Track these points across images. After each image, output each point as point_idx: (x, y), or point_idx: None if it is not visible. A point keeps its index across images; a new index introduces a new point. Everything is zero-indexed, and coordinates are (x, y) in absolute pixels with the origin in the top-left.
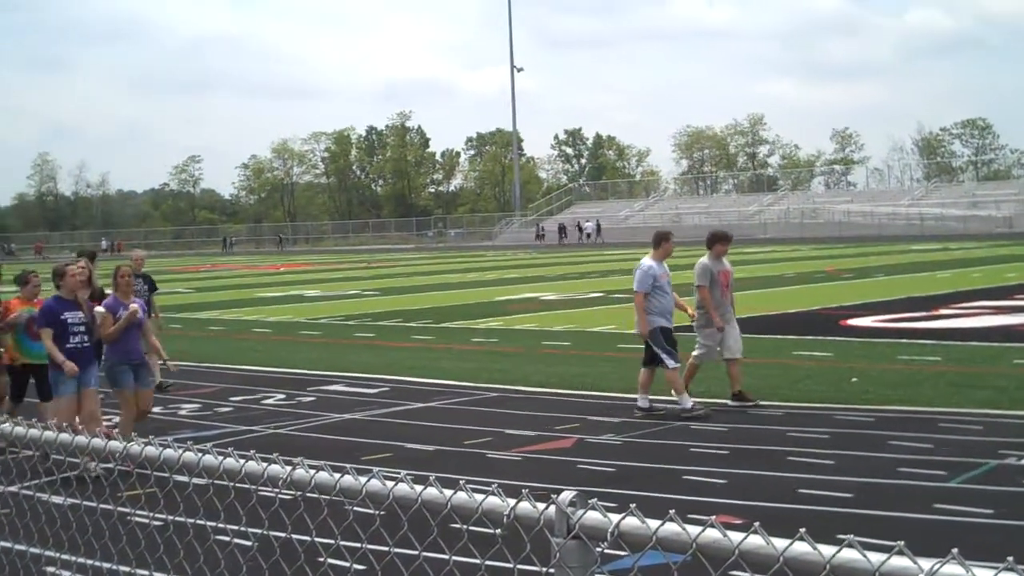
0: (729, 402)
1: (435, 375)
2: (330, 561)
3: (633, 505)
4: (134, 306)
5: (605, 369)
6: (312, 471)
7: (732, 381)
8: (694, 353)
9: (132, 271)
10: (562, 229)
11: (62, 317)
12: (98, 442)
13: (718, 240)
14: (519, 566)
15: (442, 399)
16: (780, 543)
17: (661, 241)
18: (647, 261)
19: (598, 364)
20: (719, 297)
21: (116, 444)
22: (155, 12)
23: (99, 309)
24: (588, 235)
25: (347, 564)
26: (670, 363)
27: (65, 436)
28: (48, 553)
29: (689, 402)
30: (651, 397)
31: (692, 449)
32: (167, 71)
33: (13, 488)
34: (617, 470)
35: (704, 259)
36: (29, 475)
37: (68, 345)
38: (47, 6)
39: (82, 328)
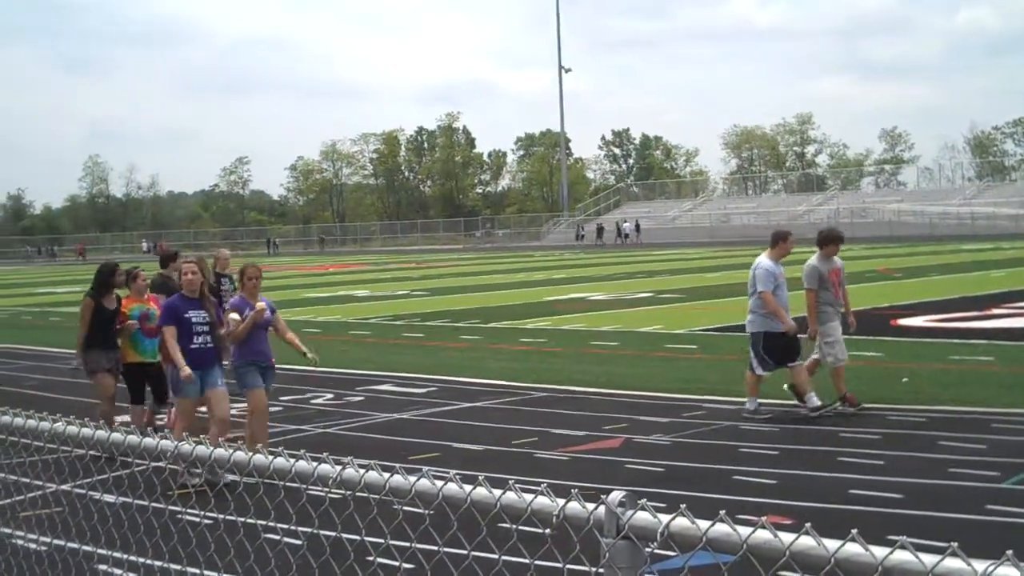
0: (794, 403)
1: (483, 375)
2: (379, 560)
3: (683, 506)
4: (261, 305)
5: (653, 369)
6: (362, 470)
7: (803, 383)
8: (828, 359)
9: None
10: (600, 230)
11: (186, 316)
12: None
13: (831, 241)
14: (568, 566)
15: (490, 399)
16: (831, 544)
17: (779, 240)
18: (765, 260)
19: (646, 364)
20: (832, 297)
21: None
22: (204, 13)
23: (233, 316)
24: (626, 236)
25: (396, 563)
26: (758, 369)
27: (185, 446)
28: (100, 551)
29: (758, 406)
30: (761, 400)
31: (741, 449)
32: (216, 72)
33: (66, 486)
34: (666, 470)
35: (812, 260)
36: (82, 473)
37: (192, 345)
38: (95, 8)
39: (206, 328)
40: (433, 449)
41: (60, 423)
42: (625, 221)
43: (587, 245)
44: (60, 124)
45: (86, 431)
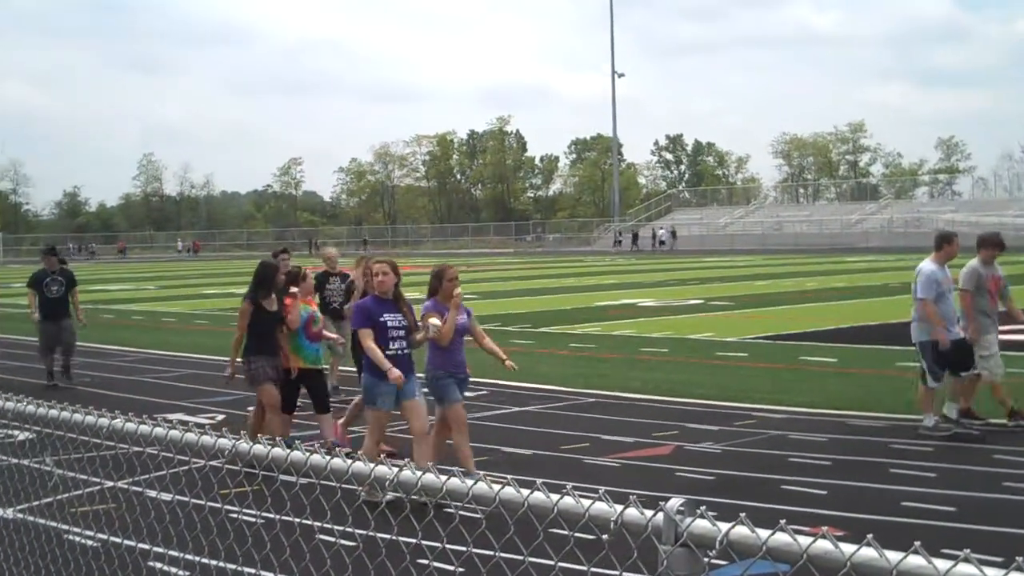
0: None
1: (533, 379)
2: (435, 564)
3: (743, 514)
4: (441, 320)
5: (703, 376)
6: (418, 473)
7: (962, 395)
8: (985, 374)
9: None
10: (635, 236)
11: (381, 319)
12: (379, 468)
13: (990, 245)
14: (625, 573)
15: (539, 403)
16: (894, 556)
17: (943, 243)
18: (928, 265)
19: (696, 371)
20: (988, 305)
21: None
22: (261, 15)
23: (434, 322)
24: (662, 242)
25: (452, 568)
26: (930, 382)
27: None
28: (157, 549)
29: (936, 422)
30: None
31: (792, 459)
32: (272, 74)
33: (123, 484)
34: (716, 478)
35: (974, 262)
36: (139, 470)
37: (387, 352)
38: (151, 8)
39: (402, 332)
40: (482, 453)
41: (118, 420)
42: (661, 228)
43: (622, 251)
44: (117, 123)
45: (155, 429)
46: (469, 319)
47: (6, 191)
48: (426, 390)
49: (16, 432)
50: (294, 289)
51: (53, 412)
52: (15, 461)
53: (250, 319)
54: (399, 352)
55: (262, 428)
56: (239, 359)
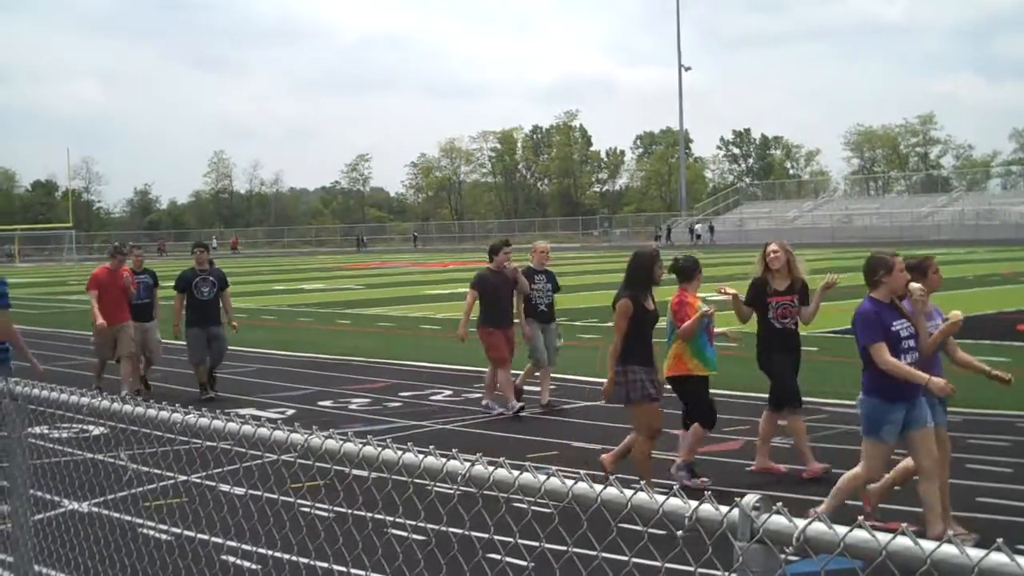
0: None
1: (602, 374)
2: (507, 560)
3: (818, 510)
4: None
5: None
6: (491, 467)
7: None
8: None
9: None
10: (668, 231)
11: (892, 328)
12: None
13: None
14: (700, 569)
15: None
16: (975, 553)
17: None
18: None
19: None
20: None
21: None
22: (328, 12)
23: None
24: (699, 236)
25: (524, 563)
26: None
27: None
28: (230, 543)
29: None
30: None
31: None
32: (339, 71)
33: (196, 478)
34: (787, 473)
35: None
36: (212, 464)
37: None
38: (215, 7)
39: (912, 343)
40: (551, 447)
41: (191, 416)
42: (697, 223)
43: (660, 247)
44: (185, 121)
45: (227, 424)
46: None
47: (78, 189)
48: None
49: (91, 427)
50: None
51: (127, 408)
52: (90, 456)
53: (631, 321)
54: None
55: (639, 454)
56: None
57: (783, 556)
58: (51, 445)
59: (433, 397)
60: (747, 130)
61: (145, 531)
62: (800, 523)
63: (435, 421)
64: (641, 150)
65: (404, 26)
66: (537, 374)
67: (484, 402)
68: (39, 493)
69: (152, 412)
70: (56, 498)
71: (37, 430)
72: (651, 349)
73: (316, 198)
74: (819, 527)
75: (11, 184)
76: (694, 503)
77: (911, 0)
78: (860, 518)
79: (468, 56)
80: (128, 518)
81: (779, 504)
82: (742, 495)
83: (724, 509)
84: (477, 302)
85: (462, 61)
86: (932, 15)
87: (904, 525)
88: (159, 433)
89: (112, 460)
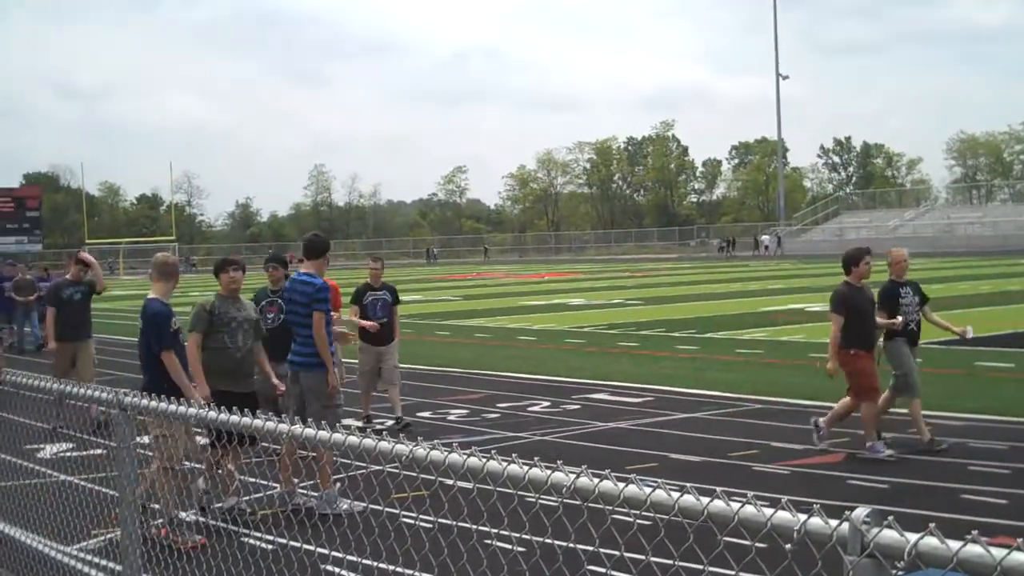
0: None
1: (699, 386)
2: (612, 573)
3: (932, 524)
4: None
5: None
6: (596, 479)
7: None
8: None
9: None
10: (732, 242)
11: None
12: None
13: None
14: None
15: (707, 410)
16: None
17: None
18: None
19: None
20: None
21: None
22: (423, 25)
23: None
24: (766, 247)
25: (627, 575)
26: None
27: None
28: (335, 553)
29: None
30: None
31: (971, 468)
32: (435, 83)
33: (301, 488)
34: (890, 487)
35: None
36: (317, 474)
37: None
38: (311, 22)
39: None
40: (650, 459)
41: (297, 427)
42: (764, 234)
43: (709, 256)
44: (285, 134)
45: (333, 435)
46: None
47: (180, 203)
48: None
49: (198, 438)
50: None
51: (234, 418)
52: (190, 465)
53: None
54: None
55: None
56: None
57: (894, 572)
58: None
59: (531, 408)
60: (848, 138)
61: (250, 540)
62: (912, 537)
63: (533, 432)
64: (736, 160)
65: (499, 37)
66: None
67: (868, 444)
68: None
69: (259, 423)
70: (158, 506)
71: (145, 439)
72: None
73: (414, 210)
74: (931, 542)
75: (116, 198)
76: (803, 516)
77: (1012, 5)
78: (974, 532)
79: (563, 67)
80: (233, 528)
81: (890, 518)
82: (850, 508)
83: (834, 523)
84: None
85: (558, 72)
86: None
87: (1020, 540)
88: (265, 444)
89: (219, 469)
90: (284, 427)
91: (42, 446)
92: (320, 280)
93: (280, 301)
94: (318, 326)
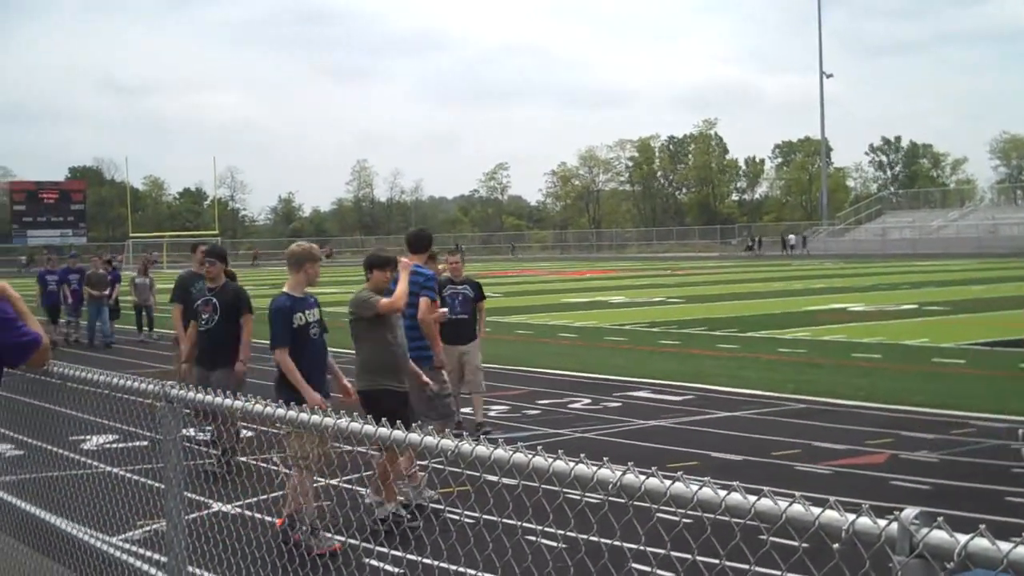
0: None
1: (741, 384)
2: (658, 572)
3: (983, 526)
4: None
5: (919, 384)
6: (642, 476)
7: None
8: None
9: None
10: (757, 242)
11: None
12: None
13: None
14: None
15: (748, 409)
16: None
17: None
18: None
19: (911, 378)
20: None
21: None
22: (465, 22)
23: None
24: (792, 247)
25: (675, 575)
26: None
27: None
28: (380, 548)
29: None
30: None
31: (1015, 470)
32: (476, 80)
33: (334, 480)
34: (933, 488)
35: None
36: (362, 467)
37: None
38: (353, 17)
39: None
40: (691, 457)
41: (343, 420)
42: (790, 234)
43: (734, 255)
44: (328, 130)
45: (378, 430)
46: None
47: (224, 197)
48: None
49: (244, 431)
50: None
51: (280, 411)
52: (242, 459)
53: None
54: None
55: None
56: None
57: (943, 573)
58: (195, 447)
59: (571, 405)
60: (898, 138)
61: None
62: (962, 538)
63: (574, 429)
64: (780, 159)
65: (541, 35)
66: None
67: None
68: (188, 494)
69: (304, 416)
70: (202, 499)
71: (191, 432)
72: None
73: (455, 206)
74: (982, 542)
75: (160, 192)
76: (851, 516)
77: None
78: None
79: (606, 64)
80: (273, 520)
81: (940, 518)
82: (894, 509)
83: (883, 523)
84: None
85: (600, 69)
86: None
87: None
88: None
89: (255, 463)
90: (329, 421)
91: (87, 437)
92: (429, 271)
93: (215, 300)
94: (424, 311)
